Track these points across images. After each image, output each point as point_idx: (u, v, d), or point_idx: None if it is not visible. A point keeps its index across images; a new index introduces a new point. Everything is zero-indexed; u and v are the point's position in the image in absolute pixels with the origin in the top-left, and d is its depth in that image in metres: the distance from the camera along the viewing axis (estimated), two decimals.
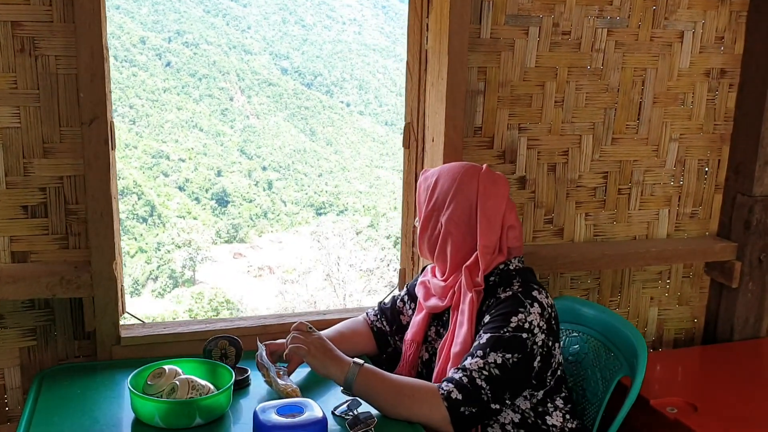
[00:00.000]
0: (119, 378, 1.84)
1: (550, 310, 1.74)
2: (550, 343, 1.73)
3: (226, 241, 39.04)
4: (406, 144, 2.34)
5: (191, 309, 27.70)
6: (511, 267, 1.82)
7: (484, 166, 1.85)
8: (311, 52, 51.28)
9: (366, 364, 1.70)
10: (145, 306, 27.12)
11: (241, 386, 1.82)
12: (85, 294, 1.93)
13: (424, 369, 1.94)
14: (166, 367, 1.69)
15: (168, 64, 43.23)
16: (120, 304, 2.00)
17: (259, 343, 1.80)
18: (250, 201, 41.80)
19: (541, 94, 2.34)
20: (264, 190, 42.89)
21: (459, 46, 2.10)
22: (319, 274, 27.79)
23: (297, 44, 51.70)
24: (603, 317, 2.06)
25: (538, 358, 1.70)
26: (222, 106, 43.50)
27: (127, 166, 35.87)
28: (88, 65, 1.81)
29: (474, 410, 1.61)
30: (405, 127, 2.32)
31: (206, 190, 40.33)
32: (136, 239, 33.00)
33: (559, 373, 1.80)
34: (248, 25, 50.16)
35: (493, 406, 1.65)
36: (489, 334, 1.68)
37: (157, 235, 33.34)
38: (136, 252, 32.05)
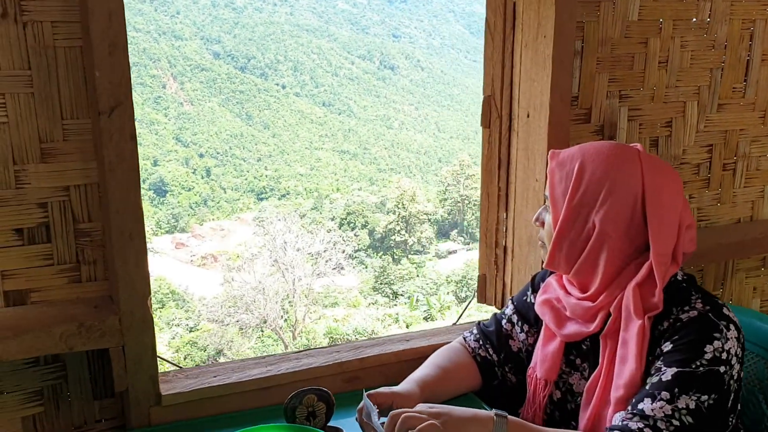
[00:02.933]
0: None
1: (742, 332, 1.34)
2: (742, 375, 1.34)
3: (167, 231, 38.15)
4: (486, 122, 1.89)
5: None
6: (679, 278, 1.41)
7: (639, 146, 1.42)
8: (243, 35, 50.00)
9: (510, 416, 1.28)
10: None
11: None
12: (114, 343, 1.42)
13: (557, 410, 1.52)
14: None
15: None
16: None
17: (366, 398, 1.34)
18: (189, 189, 40.92)
19: (644, 53, 1.93)
20: (202, 177, 42.01)
21: None
22: (265, 259, 27.22)
23: (228, 27, 50.33)
24: (758, 325, 1.66)
25: (733, 395, 1.30)
26: (155, 93, 42.05)
27: None
28: (105, 32, 1.30)
29: None
30: (484, 101, 1.88)
31: (143, 181, 39.12)
32: None
33: (738, 408, 1.40)
34: (177, 10, 48.50)
35: None
36: (676, 369, 1.27)
37: None
38: None
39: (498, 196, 1.92)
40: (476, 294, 2.02)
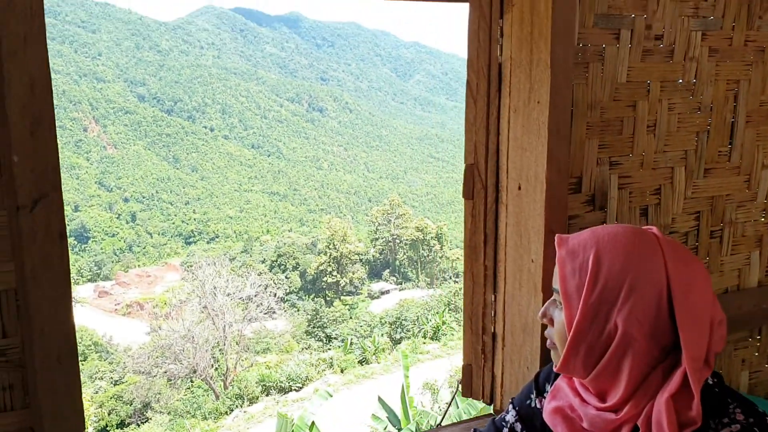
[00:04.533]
0: None
1: None
2: None
3: (89, 280, 36.86)
4: (468, 193, 1.69)
5: None
6: (710, 382, 1.22)
7: (655, 229, 1.24)
8: (169, 78, 49.33)
9: None
10: None
11: None
12: None
13: None
14: None
15: None
16: None
17: None
18: (113, 235, 39.73)
19: (633, 117, 1.78)
20: (127, 222, 40.89)
21: (564, 55, 1.49)
22: (194, 306, 26.45)
23: (153, 70, 49.58)
24: None
25: None
26: (75, 137, 40.78)
27: None
28: (26, 105, 1.03)
29: None
30: (467, 169, 1.68)
31: None
32: None
33: None
34: (99, 51, 47.47)
35: None
36: None
37: None
38: None
39: (485, 276, 1.72)
40: (460, 387, 1.80)
